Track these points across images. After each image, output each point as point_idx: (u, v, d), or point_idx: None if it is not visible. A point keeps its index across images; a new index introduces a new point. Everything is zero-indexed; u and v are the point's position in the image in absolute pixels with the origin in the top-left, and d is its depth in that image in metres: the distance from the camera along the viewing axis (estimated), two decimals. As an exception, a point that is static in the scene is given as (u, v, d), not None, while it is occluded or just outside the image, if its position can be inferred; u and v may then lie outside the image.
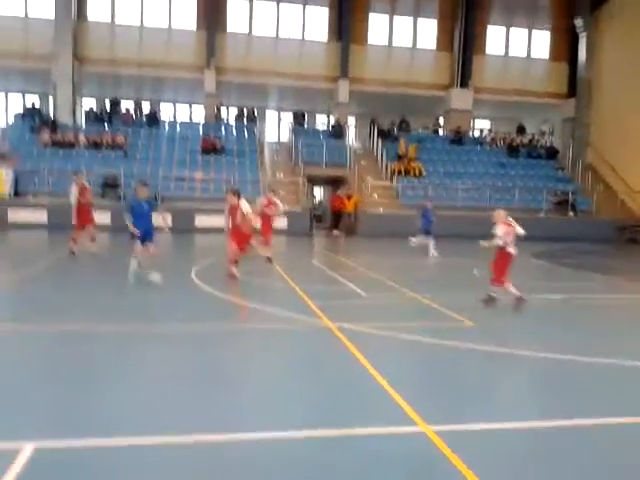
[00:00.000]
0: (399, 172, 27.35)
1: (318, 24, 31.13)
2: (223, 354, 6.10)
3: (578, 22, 31.77)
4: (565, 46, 32.88)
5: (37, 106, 29.32)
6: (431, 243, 16.39)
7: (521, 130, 32.50)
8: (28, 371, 5.31)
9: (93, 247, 13.78)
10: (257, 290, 10.14)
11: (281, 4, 30.73)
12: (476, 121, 35.67)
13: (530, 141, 31.80)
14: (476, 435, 4.22)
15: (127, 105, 30.21)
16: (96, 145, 26.24)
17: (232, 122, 30.94)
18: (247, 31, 30.49)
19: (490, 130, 34.32)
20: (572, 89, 32.64)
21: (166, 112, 32.73)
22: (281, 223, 20.70)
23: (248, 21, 30.51)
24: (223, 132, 29.22)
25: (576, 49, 32.29)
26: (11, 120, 29.30)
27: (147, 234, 9.91)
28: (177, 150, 26.92)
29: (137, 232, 9.74)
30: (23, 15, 28.45)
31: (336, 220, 25.03)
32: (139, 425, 4.14)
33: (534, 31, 33.02)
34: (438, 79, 31.84)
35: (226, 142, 27.90)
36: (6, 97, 32.69)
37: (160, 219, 10.58)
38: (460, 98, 31.67)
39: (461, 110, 31.84)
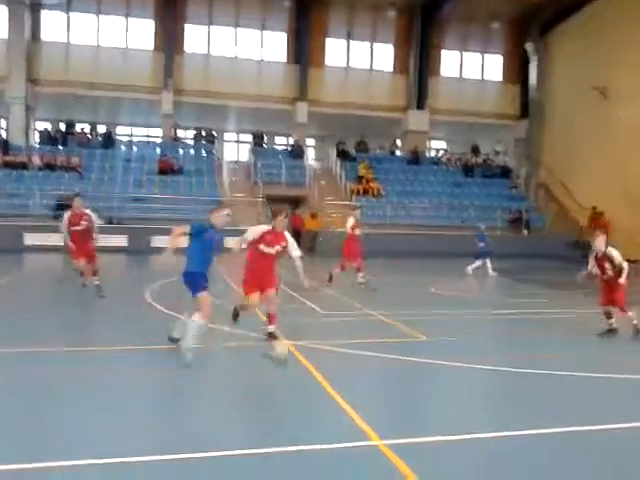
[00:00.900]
0: (358, 192, 27.59)
1: (276, 47, 31.35)
2: (178, 374, 5.99)
3: (529, 46, 32.83)
4: (517, 69, 33.87)
5: (-11, 127, 28.68)
6: (488, 263, 17.21)
7: (475, 150, 33.20)
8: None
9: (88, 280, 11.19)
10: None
11: (239, 29, 30.87)
12: (432, 142, 36.30)
13: (484, 161, 32.48)
14: (429, 448, 4.22)
15: (82, 126, 29.70)
16: (50, 166, 25.68)
17: (190, 142, 30.75)
18: (205, 52, 30.48)
19: (446, 150, 34.97)
20: (524, 110, 33.58)
21: (123, 133, 32.34)
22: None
23: (206, 43, 30.51)
24: (181, 152, 28.99)
25: (528, 72, 33.30)
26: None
27: (202, 278, 6.60)
28: (133, 171, 26.54)
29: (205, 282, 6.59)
30: (-25, 36, 27.85)
31: (296, 239, 24.89)
32: (90, 447, 4.01)
33: (487, 55, 33.96)
34: (395, 101, 32.33)
35: (184, 162, 27.68)
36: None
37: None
38: (417, 120, 32.19)
39: (418, 131, 32.35)
